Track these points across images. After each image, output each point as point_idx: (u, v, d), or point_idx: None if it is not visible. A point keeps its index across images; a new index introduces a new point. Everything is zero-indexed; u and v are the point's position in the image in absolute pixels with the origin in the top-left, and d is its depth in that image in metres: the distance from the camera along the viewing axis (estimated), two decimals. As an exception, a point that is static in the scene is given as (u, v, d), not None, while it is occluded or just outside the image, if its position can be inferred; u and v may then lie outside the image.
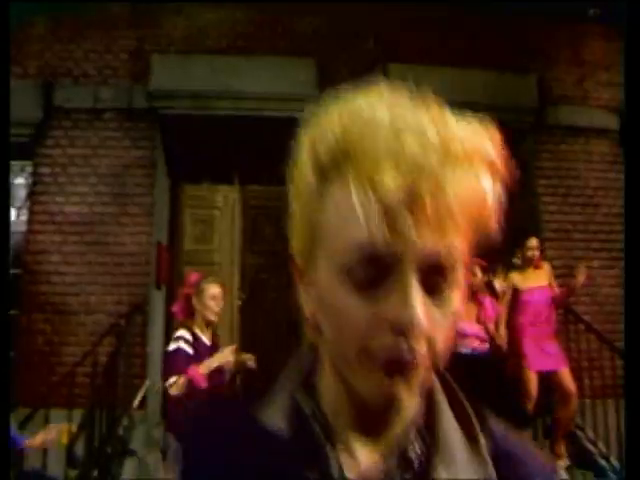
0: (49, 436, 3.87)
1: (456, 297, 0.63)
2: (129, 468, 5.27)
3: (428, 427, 0.72)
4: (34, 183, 6.31)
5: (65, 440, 4.98)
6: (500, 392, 4.75)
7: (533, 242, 5.63)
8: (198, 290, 4.04)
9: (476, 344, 5.19)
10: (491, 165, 0.64)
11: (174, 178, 6.92)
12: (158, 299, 6.41)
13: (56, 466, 4.31)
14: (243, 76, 6.31)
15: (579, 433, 5.75)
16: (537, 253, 5.62)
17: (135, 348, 5.87)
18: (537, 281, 5.57)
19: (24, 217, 6.43)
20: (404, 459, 0.70)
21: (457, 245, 0.61)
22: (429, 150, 0.59)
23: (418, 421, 0.72)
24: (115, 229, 6.16)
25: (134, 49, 6.60)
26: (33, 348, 5.93)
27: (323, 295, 0.65)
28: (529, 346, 5.41)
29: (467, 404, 0.75)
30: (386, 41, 6.73)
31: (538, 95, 6.77)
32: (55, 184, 6.26)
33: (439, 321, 0.62)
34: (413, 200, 0.58)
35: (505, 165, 0.66)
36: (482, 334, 5.24)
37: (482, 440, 0.71)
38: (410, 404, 0.67)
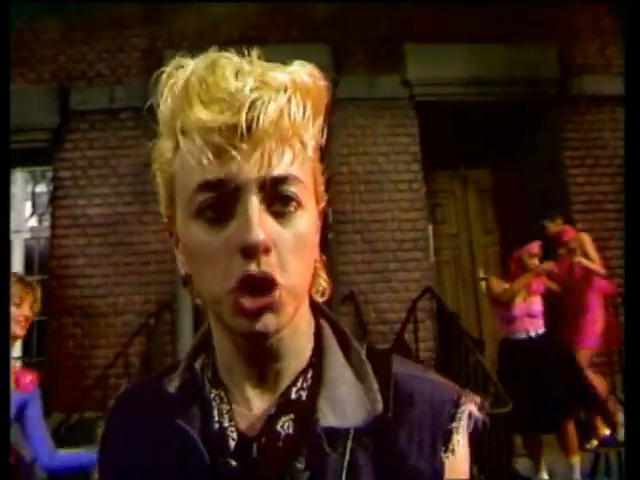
0: None
1: (303, 219, 0.69)
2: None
3: (315, 371, 0.75)
4: (55, 188, 6.29)
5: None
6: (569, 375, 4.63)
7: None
8: None
9: (529, 326, 4.85)
10: (304, 91, 0.68)
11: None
12: (186, 296, 6.36)
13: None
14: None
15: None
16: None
17: (165, 346, 5.82)
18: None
19: (47, 223, 6.43)
20: (287, 401, 0.73)
21: (293, 167, 0.68)
22: (242, 83, 0.66)
23: (305, 368, 0.75)
24: (138, 228, 6.12)
25: (147, 47, 6.56)
26: (64, 352, 5.92)
27: (185, 243, 0.71)
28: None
29: (359, 346, 0.78)
30: (400, 22, 6.60)
31: (560, 66, 6.60)
32: (76, 187, 6.24)
33: (287, 240, 0.67)
34: (233, 131, 0.65)
35: (322, 94, 0.72)
36: (535, 309, 4.90)
37: (373, 380, 0.74)
38: (285, 335, 0.71)
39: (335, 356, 0.76)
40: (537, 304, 4.90)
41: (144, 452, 0.77)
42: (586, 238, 5.53)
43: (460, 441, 0.74)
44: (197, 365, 0.78)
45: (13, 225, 6.49)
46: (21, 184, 6.65)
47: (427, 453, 0.72)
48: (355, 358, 0.77)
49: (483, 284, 6.40)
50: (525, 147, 7.05)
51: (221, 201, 0.67)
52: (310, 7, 6.65)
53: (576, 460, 4.54)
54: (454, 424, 0.74)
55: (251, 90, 0.66)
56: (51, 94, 6.34)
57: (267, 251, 0.65)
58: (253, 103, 0.65)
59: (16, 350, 5.17)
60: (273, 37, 6.51)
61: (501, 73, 6.43)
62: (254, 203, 0.66)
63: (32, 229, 6.62)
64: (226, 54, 0.72)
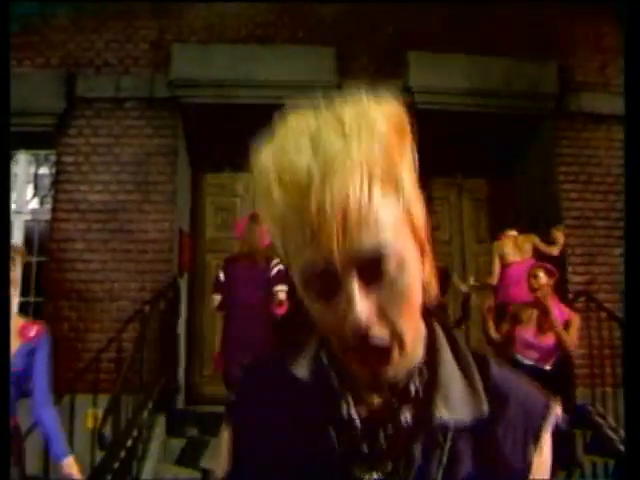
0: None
1: (404, 275, 0.73)
2: (153, 452, 5.34)
3: (430, 370, 0.83)
4: (58, 172, 6.39)
5: (90, 424, 5.07)
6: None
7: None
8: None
9: (536, 356, 4.91)
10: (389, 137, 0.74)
11: (195, 166, 6.98)
12: (181, 286, 6.49)
13: (83, 448, 4.38)
14: (263, 65, 6.35)
15: (601, 421, 5.74)
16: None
17: (159, 334, 5.93)
18: None
19: (48, 205, 6.53)
20: (405, 395, 0.81)
21: (382, 235, 0.71)
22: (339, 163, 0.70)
23: (421, 365, 0.83)
24: (138, 217, 6.23)
25: (155, 39, 6.65)
26: (59, 335, 5.96)
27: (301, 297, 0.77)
28: None
29: (466, 350, 0.86)
30: (405, 29, 6.71)
31: (559, 82, 6.72)
32: (78, 173, 6.34)
33: (389, 302, 0.73)
34: (332, 216, 0.68)
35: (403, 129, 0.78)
36: (545, 345, 4.92)
37: (479, 381, 0.83)
38: (401, 369, 0.79)
39: (447, 357, 0.85)
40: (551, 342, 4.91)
41: (275, 430, 0.85)
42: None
43: (547, 441, 0.84)
44: (323, 354, 0.85)
45: (14, 206, 6.60)
46: (24, 166, 6.74)
47: (520, 450, 0.81)
48: (463, 360, 0.85)
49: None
50: (520, 160, 7.18)
51: (327, 279, 0.71)
52: (317, 9, 6.75)
53: None
54: (544, 425, 0.83)
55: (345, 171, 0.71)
56: (58, 80, 6.42)
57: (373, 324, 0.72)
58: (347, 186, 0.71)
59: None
60: (280, 37, 6.61)
61: (501, 85, 6.55)
62: (354, 284, 0.71)
63: (33, 211, 6.70)
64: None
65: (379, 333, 0.73)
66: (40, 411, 3.26)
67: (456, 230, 7.29)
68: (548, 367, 4.92)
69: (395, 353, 0.75)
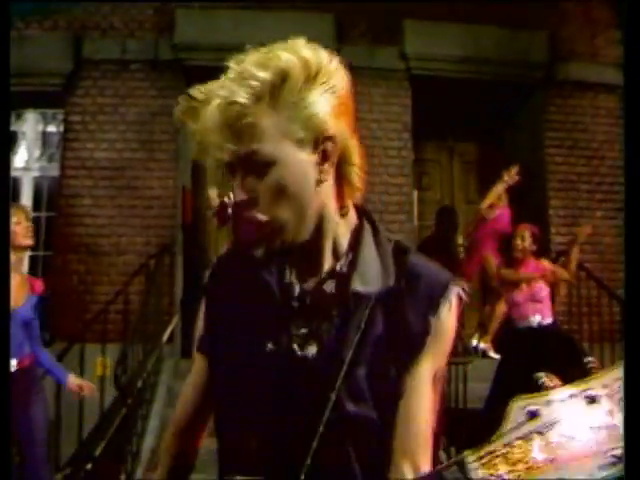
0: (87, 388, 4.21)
1: (279, 174, 1.00)
2: (160, 396, 5.66)
3: (354, 253, 1.08)
4: (66, 130, 6.64)
5: (100, 372, 5.40)
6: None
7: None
8: None
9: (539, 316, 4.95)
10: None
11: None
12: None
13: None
14: (264, 30, 6.56)
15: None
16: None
17: (163, 287, 6.23)
18: None
19: (56, 163, 6.79)
20: (332, 271, 1.08)
21: (256, 143, 0.99)
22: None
23: (348, 250, 1.09)
24: (143, 174, 6.51)
25: (159, 4, 6.84)
26: (68, 287, 6.31)
27: None
28: None
29: (386, 240, 1.11)
30: (402, -2, 6.94)
31: (549, 51, 6.99)
32: (86, 131, 6.59)
33: (265, 193, 1.01)
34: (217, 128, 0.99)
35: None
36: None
37: (391, 264, 1.08)
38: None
39: (368, 245, 1.09)
40: (542, 290, 5.02)
41: (238, 296, 1.15)
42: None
43: (446, 311, 1.06)
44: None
45: (23, 163, 6.87)
46: (32, 124, 6.97)
47: (421, 318, 1.05)
48: (382, 247, 1.10)
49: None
50: (510, 125, 7.48)
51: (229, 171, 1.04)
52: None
53: None
54: (442, 298, 1.06)
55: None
56: (66, 42, 6.62)
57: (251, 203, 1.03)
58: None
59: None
60: (281, 3, 6.81)
61: (493, 54, 6.81)
62: (238, 175, 1.02)
63: (41, 168, 6.96)
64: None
65: (254, 214, 1.02)
66: (39, 350, 3.94)
67: (447, 191, 7.60)
68: (550, 320, 5.01)
69: (269, 230, 1.02)
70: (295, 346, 1.06)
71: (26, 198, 6.79)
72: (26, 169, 6.85)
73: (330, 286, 1.08)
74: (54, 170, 6.80)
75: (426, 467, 1.03)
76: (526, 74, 7.01)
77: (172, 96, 6.59)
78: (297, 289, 1.10)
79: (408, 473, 1.01)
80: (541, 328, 4.95)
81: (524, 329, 4.98)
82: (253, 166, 1.01)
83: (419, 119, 6.83)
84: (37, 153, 6.98)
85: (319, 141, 1.02)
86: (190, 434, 1.27)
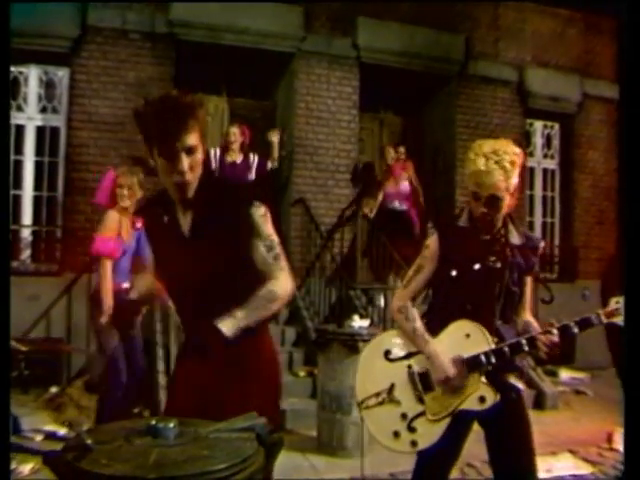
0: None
1: (197, 156, 2.16)
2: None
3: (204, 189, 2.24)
4: (72, 87, 7.76)
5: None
6: None
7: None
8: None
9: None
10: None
11: (181, 90, 8.52)
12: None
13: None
14: (247, 16, 7.99)
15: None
16: None
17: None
18: None
19: (58, 114, 7.91)
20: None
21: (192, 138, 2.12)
22: None
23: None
24: (142, 130, 7.77)
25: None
26: (76, 225, 7.52)
27: None
28: None
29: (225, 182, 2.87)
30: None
31: (464, 51, 8.98)
32: (90, 89, 7.73)
33: (195, 163, 2.15)
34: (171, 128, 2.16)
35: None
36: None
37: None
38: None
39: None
40: (405, 187, 8.23)
41: (155, 224, 2.35)
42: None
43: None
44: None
45: (28, 113, 7.91)
46: (37, 80, 7.94)
47: (235, 215, 2.18)
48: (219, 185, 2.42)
49: None
50: (430, 106, 9.51)
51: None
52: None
53: None
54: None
55: None
56: (73, 10, 7.65)
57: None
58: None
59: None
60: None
61: (423, 50, 8.71)
62: (182, 155, 2.10)
63: (44, 119, 8.00)
64: None
65: (188, 175, 2.12)
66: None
67: (377, 154, 9.51)
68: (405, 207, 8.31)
69: (190, 179, 2.13)
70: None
71: (29, 144, 7.86)
72: (30, 118, 7.89)
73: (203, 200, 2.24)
74: (56, 121, 7.90)
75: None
76: (446, 68, 9.00)
77: (165, 64, 7.95)
78: (184, 225, 2.27)
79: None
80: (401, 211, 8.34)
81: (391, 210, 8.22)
82: (191, 151, 2.15)
83: (361, 96, 8.63)
84: (40, 105, 7.99)
85: None
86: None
